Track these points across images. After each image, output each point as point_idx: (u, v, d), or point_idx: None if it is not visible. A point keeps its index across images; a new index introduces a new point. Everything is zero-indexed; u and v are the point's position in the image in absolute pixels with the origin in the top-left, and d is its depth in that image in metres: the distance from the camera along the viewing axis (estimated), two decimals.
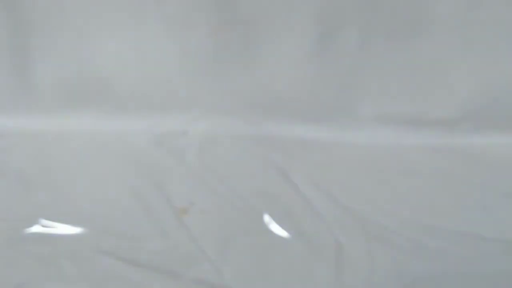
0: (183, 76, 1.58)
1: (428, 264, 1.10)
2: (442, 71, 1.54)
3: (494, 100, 1.57)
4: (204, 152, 1.52)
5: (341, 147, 1.57)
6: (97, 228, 1.17)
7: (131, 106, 1.61)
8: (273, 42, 1.51)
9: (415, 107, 1.61)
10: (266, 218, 1.23)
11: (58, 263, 1.07)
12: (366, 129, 1.62)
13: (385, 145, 1.59)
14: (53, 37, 1.50)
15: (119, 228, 1.18)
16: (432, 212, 1.27)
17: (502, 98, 1.57)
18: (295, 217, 1.24)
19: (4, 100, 1.59)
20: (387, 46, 1.50)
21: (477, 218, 1.26)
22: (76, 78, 1.57)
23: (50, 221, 1.18)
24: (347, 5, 1.44)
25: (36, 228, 1.16)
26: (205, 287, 1.03)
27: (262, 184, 1.37)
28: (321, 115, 1.63)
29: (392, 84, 1.57)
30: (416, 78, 1.56)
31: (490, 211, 1.29)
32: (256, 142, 1.58)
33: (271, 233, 1.19)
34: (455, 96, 1.58)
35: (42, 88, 1.58)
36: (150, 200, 1.28)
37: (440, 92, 1.58)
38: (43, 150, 1.50)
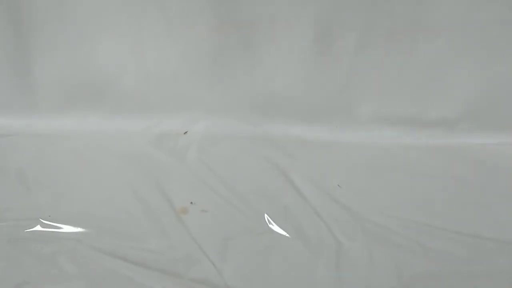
0: (183, 76, 1.58)
1: (428, 264, 1.11)
2: (442, 72, 1.54)
3: (493, 100, 1.57)
4: (204, 152, 1.52)
5: (341, 147, 1.57)
6: (97, 228, 1.17)
7: (131, 106, 1.62)
8: (273, 43, 1.52)
9: (414, 107, 1.61)
10: (266, 218, 1.23)
11: (58, 263, 1.07)
12: (365, 129, 1.62)
13: (384, 145, 1.59)
14: (53, 37, 1.50)
15: (119, 228, 1.18)
16: (432, 212, 1.27)
17: (501, 98, 1.57)
18: (295, 217, 1.24)
19: (4, 100, 1.59)
20: (386, 47, 1.50)
21: (477, 218, 1.26)
22: (76, 78, 1.57)
23: (50, 221, 1.18)
24: (346, 6, 1.44)
25: (36, 228, 1.16)
26: (205, 287, 1.03)
27: (262, 184, 1.37)
28: (321, 115, 1.63)
29: (392, 84, 1.58)
30: (415, 79, 1.56)
31: (489, 211, 1.29)
32: (256, 142, 1.58)
33: (271, 233, 1.19)
34: (455, 96, 1.58)
35: (42, 88, 1.58)
36: (150, 200, 1.28)
37: (440, 92, 1.58)
38: (43, 150, 1.51)
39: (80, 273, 1.05)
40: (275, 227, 1.20)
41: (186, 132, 1.61)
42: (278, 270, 1.09)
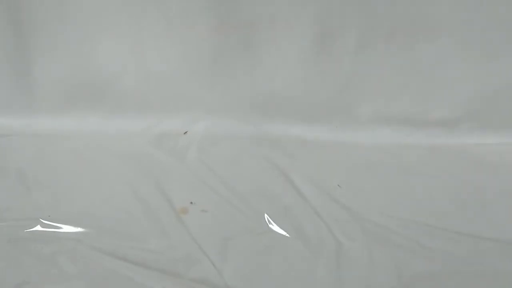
0: (183, 76, 1.58)
1: (428, 264, 1.11)
2: (442, 72, 1.54)
3: (493, 100, 1.57)
4: (204, 152, 1.52)
5: (341, 147, 1.57)
6: (97, 228, 1.17)
7: (131, 106, 1.62)
8: (273, 43, 1.51)
9: (415, 107, 1.61)
10: (266, 218, 1.23)
11: (58, 263, 1.07)
12: (365, 129, 1.62)
13: (385, 145, 1.59)
14: (53, 37, 1.50)
15: (119, 228, 1.18)
16: (431, 212, 1.27)
17: (501, 98, 1.57)
18: (295, 217, 1.24)
19: (4, 100, 1.59)
20: (386, 47, 1.50)
21: (477, 218, 1.26)
22: (76, 78, 1.57)
23: (50, 221, 1.18)
24: (346, 6, 1.44)
25: (36, 228, 1.16)
26: (205, 287, 1.03)
27: (262, 184, 1.37)
28: (321, 115, 1.63)
29: (392, 84, 1.58)
30: (415, 79, 1.56)
31: (489, 211, 1.29)
32: (256, 142, 1.58)
33: (271, 233, 1.19)
34: (455, 96, 1.58)
35: (42, 88, 1.58)
36: (150, 200, 1.28)
37: (440, 92, 1.58)
38: (43, 150, 1.51)
39: (80, 273, 1.05)
40: (275, 227, 1.20)
41: (186, 132, 1.61)
42: (278, 270, 1.09)
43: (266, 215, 1.23)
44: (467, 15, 1.45)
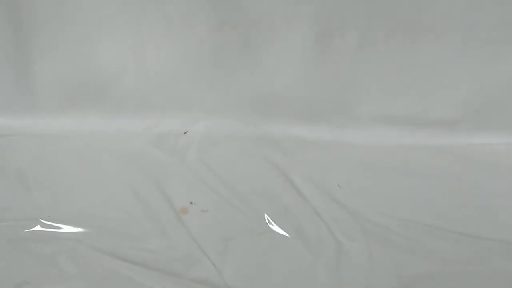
0: (183, 76, 1.58)
1: (428, 264, 1.11)
2: (442, 72, 1.54)
3: (494, 100, 1.57)
4: (203, 152, 1.52)
5: (341, 147, 1.57)
6: (97, 228, 1.17)
7: (131, 106, 1.62)
8: (273, 43, 1.51)
9: (414, 107, 1.61)
10: (266, 218, 1.23)
11: (58, 263, 1.07)
12: (365, 129, 1.62)
13: (385, 145, 1.59)
14: (53, 38, 1.50)
15: (119, 228, 1.18)
16: (432, 212, 1.27)
17: (502, 98, 1.57)
18: (295, 217, 1.24)
19: (4, 100, 1.59)
20: (386, 47, 1.50)
21: (477, 218, 1.26)
22: (76, 79, 1.57)
23: (50, 221, 1.18)
24: (346, 6, 1.44)
25: (36, 228, 1.16)
26: (205, 287, 1.03)
27: (262, 184, 1.37)
28: (321, 115, 1.63)
29: (392, 84, 1.58)
30: (415, 78, 1.56)
31: (489, 211, 1.29)
32: (256, 142, 1.58)
33: (271, 233, 1.19)
34: (455, 96, 1.58)
35: (42, 88, 1.58)
36: (150, 200, 1.28)
37: (440, 92, 1.58)
38: (43, 150, 1.51)
39: (80, 273, 1.05)
40: (275, 227, 1.20)
41: (186, 132, 1.61)
42: (278, 270, 1.09)
43: (266, 215, 1.23)
44: (467, 15, 1.45)
